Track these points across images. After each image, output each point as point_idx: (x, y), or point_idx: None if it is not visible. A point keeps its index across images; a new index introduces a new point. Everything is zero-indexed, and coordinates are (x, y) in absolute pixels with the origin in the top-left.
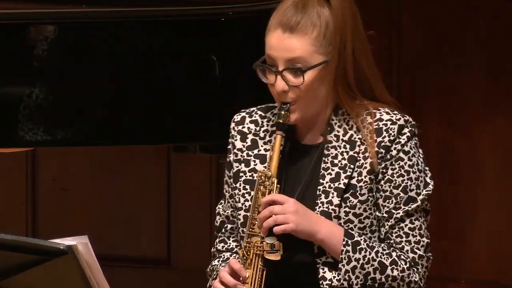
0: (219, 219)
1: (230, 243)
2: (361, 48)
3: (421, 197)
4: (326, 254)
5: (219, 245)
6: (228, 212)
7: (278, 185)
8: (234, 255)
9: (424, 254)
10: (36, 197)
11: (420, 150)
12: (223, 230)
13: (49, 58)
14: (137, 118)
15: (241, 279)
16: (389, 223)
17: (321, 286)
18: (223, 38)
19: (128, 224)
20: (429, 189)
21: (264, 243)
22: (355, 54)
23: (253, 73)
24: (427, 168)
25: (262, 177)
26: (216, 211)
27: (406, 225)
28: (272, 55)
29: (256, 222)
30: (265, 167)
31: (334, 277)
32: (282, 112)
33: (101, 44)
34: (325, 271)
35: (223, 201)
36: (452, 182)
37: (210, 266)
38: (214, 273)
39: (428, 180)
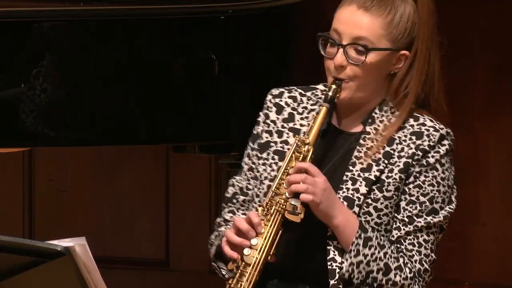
0: (231, 190)
1: (239, 214)
2: (428, 51)
3: (444, 212)
4: (337, 239)
5: (227, 215)
6: (243, 184)
7: (312, 156)
8: (253, 209)
9: (429, 269)
10: (33, 198)
11: (453, 168)
12: (234, 201)
13: (49, 58)
14: (136, 117)
15: (256, 232)
16: (406, 229)
17: (330, 266)
18: (223, 37)
19: (126, 225)
20: (452, 207)
21: (288, 202)
22: (421, 55)
23: (253, 72)
24: (455, 187)
25: (299, 142)
26: (229, 183)
27: (422, 236)
28: (339, 29)
29: (283, 183)
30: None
31: (342, 262)
32: (334, 86)
33: (100, 43)
34: (336, 254)
35: (239, 174)
36: (456, 183)
37: (215, 232)
38: (221, 236)
39: (453, 198)
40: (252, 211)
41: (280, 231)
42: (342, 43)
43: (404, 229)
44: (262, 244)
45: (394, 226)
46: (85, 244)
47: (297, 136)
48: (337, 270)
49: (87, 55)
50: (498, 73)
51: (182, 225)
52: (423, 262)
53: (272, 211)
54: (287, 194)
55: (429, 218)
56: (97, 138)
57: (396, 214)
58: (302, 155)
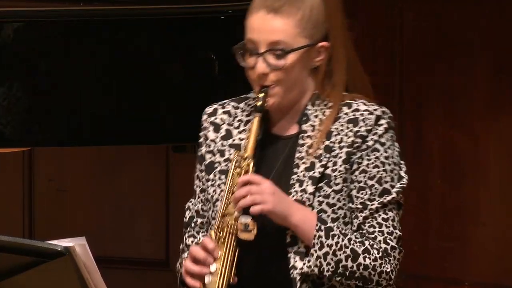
0: (188, 214)
1: (200, 237)
2: (344, 36)
3: (395, 189)
4: (298, 244)
5: (188, 240)
6: (198, 207)
7: (254, 167)
8: (206, 234)
9: (396, 246)
10: (33, 198)
11: (396, 144)
12: (192, 225)
13: (48, 57)
14: (136, 117)
15: (213, 257)
16: (363, 214)
17: (291, 275)
18: (223, 37)
19: (126, 225)
20: (403, 182)
21: (238, 222)
22: (338, 41)
23: None
24: (402, 162)
25: (238, 158)
26: (186, 207)
27: (379, 215)
28: (253, 38)
29: (231, 202)
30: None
31: (305, 263)
32: (261, 95)
33: (99, 43)
34: (296, 261)
35: (193, 198)
36: (456, 183)
37: (179, 260)
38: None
39: (402, 174)
40: (205, 237)
41: (237, 251)
42: (259, 51)
43: (361, 215)
44: (221, 269)
45: (352, 216)
46: (85, 244)
47: (235, 151)
48: (297, 278)
49: (87, 55)
50: (498, 73)
51: (181, 225)
52: (388, 240)
53: (224, 233)
54: (236, 212)
55: (381, 199)
56: (97, 138)
57: (350, 205)
58: (243, 170)
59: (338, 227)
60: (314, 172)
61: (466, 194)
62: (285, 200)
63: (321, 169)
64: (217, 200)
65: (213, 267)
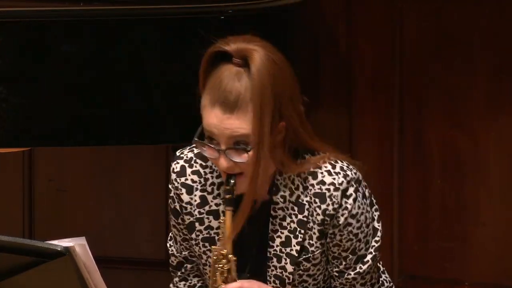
0: (175, 259)
1: (191, 279)
2: (294, 114)
3: (371, 251)
4: None
5: (180, 284)
6: (185, 254)
7: (236, 262)
8: (197, 275)
9: None
10: (33, 198)
11: (366, 194)
12: (182, 270)
13: (48, 57)
14: (136, 117)
15: None
16: (340, 280)
17: None
18: (223, 37)
19: (126, 225)
20: (377, 237)
21: None
22: (288, 123)
23: None
24: (373, 211)
25: (218, 256)
26: (169, 251)
27: (357, 282)
28: (213, 132)
29: None
30: (219, 239)
31: None
32: (229, 187)
33: (99, 42)
34: None
35: (172, 242)
36: (456, 183)
37: None
38: None
39: (376, 225)
40: None
41: None
42: (220, 148)
43: (338, 281)
44: None
45: (330, 275)
46: (85, 244)
47: (213, 249)
48: None
49: (87, 55)
50: (498, 73)
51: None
52: None
53: None
54: None
55: (358, 267)
56: (97, 138)
57: (328, 267)
58: (225, 269)
59: None
60: (291, 250)
61: (466, 194)
62: None
63: (298, 247)
64: (205, 264)
65: None
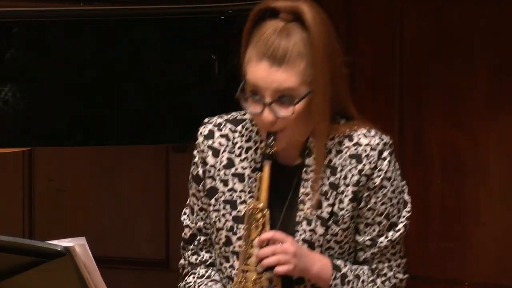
0: (188, 231)
1: (203, 254)
2: (339, 73)
3: (402, 220)
4: (304, 282)
5: (191, 258)
6: (199, 225)
7: (270, 217)
8: (209, 251)
9: (404, 277)
10: (33, 198)
11: (397, 165)
12: (195, 243)
13: (48, 57)
14: (136, 117)
15: None
16: (372, 250)
17: None
18: (223, 37)
19: (126, 226)
20: (408, 209)
21: (262, 278)
22: (334, 80)
23: None
24: (404, 184)
25: (254, 210)
26: (183, 223)
27: (388, 251)
28: (258, 85)
29: (250, 256)
30: (250, 193)
31: None
32: (269, 141)
33: (99, 43)
34: None
35: (188, 213)
36: (456, 183)
37: (183, 282)
38: None
39: (406, 198)
40: None
41: None
42: (265, 101)
43: (369, 251)
44: None
45: (358, 247)
46: (85, 244)
47: (248, 203)
48: None
49: (87, 55)
50: (498, 73)
51: (182, 225)
52: (397, 274)
53: None
54: (258, 268)
55: (390, 234)
56: (97, 138)
57: (357, 237)
58: (260, 223)
59: (351, 271)
60: (322, 212)
61: (466, 194)
62: (305, 255)
63: (329, 209)
64: (221, 229)
65: None
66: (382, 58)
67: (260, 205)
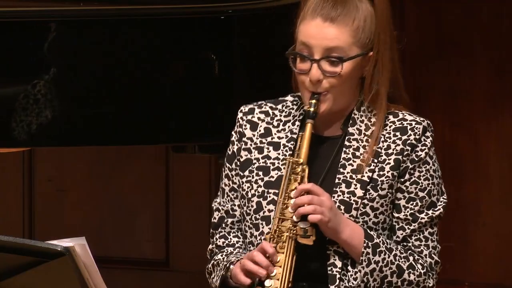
0: (217, 214)
1: (231, 238)
2: (393, 46)
3: (441, 203)
4: (337, 243)
5: (219, 241)
6: (228, 206)
7: (308, 174)
8: (237, 234)
9: (439, 260)
10: (33, 198)
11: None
12: (223, 225)
13: (48, 57)
14: (136, 117)
15: (272, 262)
16: (411, 227)
17: (330, 272)
18: (223, 37)
19: (126, 225)
20: (445, 197)
21: (298, 227)
22: (386, 53)
23: (252, 73)
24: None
25: (294, 164)
26: (214, 208)
27: (426, 229)
28: (309, 43)
29: (287, 207)
30: (291, 154)
31: (343, 268)
32: (313, 101)
33: (99, 43)
34: (336, 259)
35: (220, 197)
36: (457, 183)
37: (212, 261)
38: (222, 265)
39: (443, 189)
40: (264, 241)
41: (295, 257)
42: (314, 57)
43: (409, 228)
44: (282, 274)
45: (397, 226)
46: (85, 244)
47: (289, 158)
48: (337, 276)
49: (87, 55)
50: (498, 73)
51: (182, 225)
52: (432, 255)
53: (284, 238)
54: (294, 218)
55: (430, 212)
56: (97, 138)
57: (396, 214)
58: (299, 176)
59: (384, 243)
60: (362, 176)
61: (466, 194)
62: (338, 215)
63: (370, 174)
64: (253, 195)
65: (273, 271)
66: None
67: (300, 160)
